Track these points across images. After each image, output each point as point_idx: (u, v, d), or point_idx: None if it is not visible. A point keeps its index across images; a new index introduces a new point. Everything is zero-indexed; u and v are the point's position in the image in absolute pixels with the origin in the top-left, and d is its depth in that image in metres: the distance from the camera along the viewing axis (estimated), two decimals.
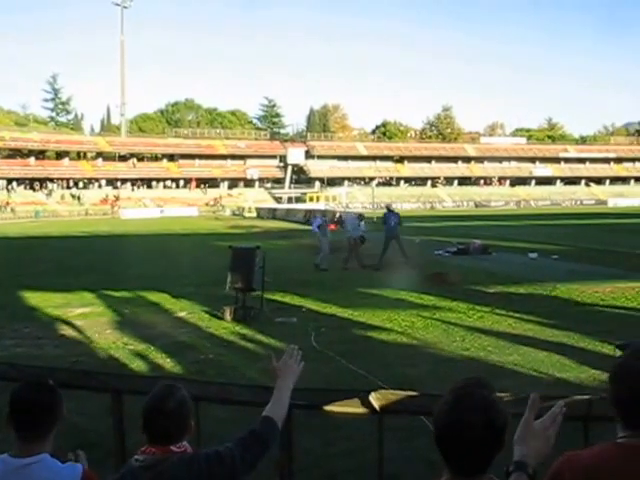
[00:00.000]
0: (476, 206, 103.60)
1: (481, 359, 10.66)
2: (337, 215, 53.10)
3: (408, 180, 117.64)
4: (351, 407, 4.59)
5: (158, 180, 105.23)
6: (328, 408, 4.66)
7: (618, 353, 2.27)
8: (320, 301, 16.34)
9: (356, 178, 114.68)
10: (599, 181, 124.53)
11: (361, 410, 4.54)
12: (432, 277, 19.54)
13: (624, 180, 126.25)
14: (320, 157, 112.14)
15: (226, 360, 10.96)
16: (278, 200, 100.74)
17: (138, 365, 10.63)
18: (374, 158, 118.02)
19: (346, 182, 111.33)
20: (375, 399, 4.43)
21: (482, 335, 12.33)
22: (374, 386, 8.78)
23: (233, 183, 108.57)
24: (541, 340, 11.87)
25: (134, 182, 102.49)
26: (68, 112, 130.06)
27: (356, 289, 18.26)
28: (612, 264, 22.37)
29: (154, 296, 17.57)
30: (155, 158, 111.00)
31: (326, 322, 13.90)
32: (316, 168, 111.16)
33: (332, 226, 49.84)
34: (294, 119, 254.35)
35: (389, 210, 25.04)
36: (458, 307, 15.17)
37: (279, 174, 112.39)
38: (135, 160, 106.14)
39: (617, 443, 2.29)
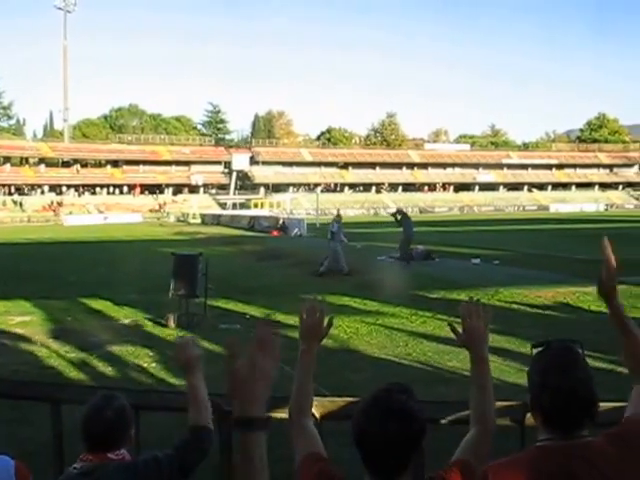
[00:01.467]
0: (420, 212, 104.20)
1: (423, 364, 10.78)
2: (280, 221, 53.17)
3: (352, 186, 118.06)
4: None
5: (102, 186, 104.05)
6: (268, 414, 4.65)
7: (535, 352, 2.32)
8: (264, 307, 16.35)
9: (301, 184, 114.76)
10: (541, 187, 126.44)
11: None
12: (375, 283, 19.64)
13: (565, 186, 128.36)
14: (265, 163, 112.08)
15: (168, 368, 10.89)
16: (223, 206, 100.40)
17: (79, 374, 10.52)
18: (319, 164, 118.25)
19: (291, 188, 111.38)
20: (314, 407, 4.44)
21: (424, 340, 12.46)
22: (317, 392, 8.86)
23: (178, 189, 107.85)
24: None
25: (77, 188, 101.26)
26: (10, 117, 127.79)
27: (299, 295, 18.24)
28: (554, 269, 22.73)
29: (97, 303, 17.39)
30: (99, 164, 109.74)
31: None
32: (261, 174, 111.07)
33: (275, 232, 50.02)
34: (239, 125, 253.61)
35: (405, 215, 25.82)
36: (401, 313, 15.29)
37: (224, 180, 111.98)
38: (78, 166, 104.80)
39: (538, 447, 2.35)
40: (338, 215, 26.42)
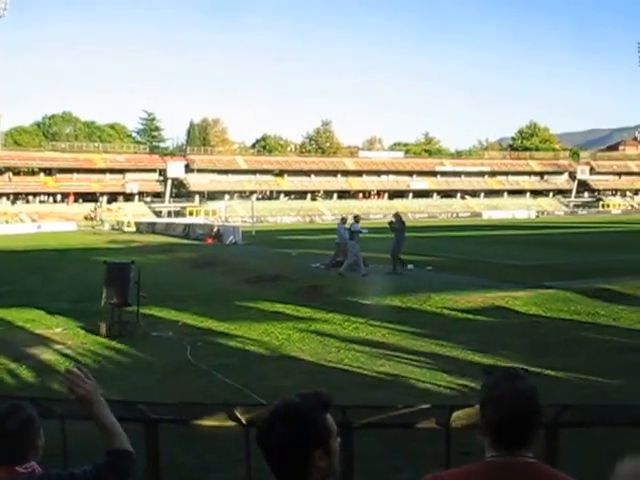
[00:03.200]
0: None
1: (355, 370, 10.86)
2: (215, 229, 52.97)
3: (288, 194, 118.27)
4: (219, 421, 4.64)
5: (35, 194, 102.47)
6: (196, 422, 4.70)
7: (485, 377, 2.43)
8: (197, 315, 16.29)
9: (236, 192, 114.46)
10: (474, 194, 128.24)
11: (230, 423, 4.60)
12: (308, 289, 19.73)
13: (498, 193, 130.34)
14: (200, 171, 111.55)
15: (100, 376, 10.78)
16: (158, 214, 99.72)
17: (7, 384, 10.38)
18: (254, 172, 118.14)
19: (226, 196, 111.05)
20: (241, 413, 4.50)
21: (356, 346, 12.55)
22: (250, 399, 8.90)
23: (112, 197, 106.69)
24: (413, 350, 12.17)
25: (10, 197, 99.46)
26: None
27: (233, 302, 18.27)
28: (484, 275, 23.04)
29: (28, 313, 17.11)
30: (32, 172, 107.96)
31: (202, 336, 13.88)
32: (196, 182, 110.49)
33: (210, 240, 49.80)
34: (174, 133, 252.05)
35: (401, 221, 26.18)
36: (334, 319, 15.38)
37: (159, 188, 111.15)
38: (11, 174, 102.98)
39: (487, 461, 2.44)
40: (356, 217, 26.87)
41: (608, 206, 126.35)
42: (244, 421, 4.52)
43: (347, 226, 26.70)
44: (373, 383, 10.01)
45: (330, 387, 9.81)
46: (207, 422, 4.70)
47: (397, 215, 27.16)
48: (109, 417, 2.86)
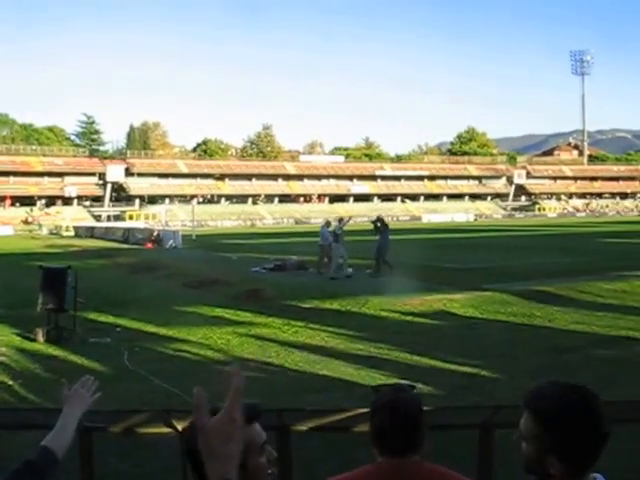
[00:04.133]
0: (296, 223, 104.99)
1: (294, 374, 10.88)
2: (155, 233, 52.55)
3: (229, 198, 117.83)
4: (155, 428, 4.62)
5: None
6: (132, 430, 4.66)
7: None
8: (136, 320, 16.14)
9: (177, 196, 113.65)
10: (414, 198, 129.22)
11: (166, 430, 4.58)
12: (248, 294, 19.67)
13: (437, 197, 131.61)
14: (140, 175, 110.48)
15: (36, 383, 10.65)
16: (97, 218, 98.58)
17: None
18: (195, 176, 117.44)
19: (167, 200, 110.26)
20: (177, 419, 4.48)
21: (296, 350, 12.58)
22: (187, 405, 8.85)
23: (51, 201, 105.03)
24: (352, 353, 12.24)
25: None
26: None
27: (172, 307, 18.14)
28: (423, 278, 23.18)
29: None
30: None
31: (141, 341, 13.77)
32: (136, 186, 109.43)
33: (149, 244, 49.40)
34: (114, 136, 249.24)
35: (384, 224, 26.49)
36: (273, 323, 15.38)
37: (98, 192, 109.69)
38: None
39: (374, 464, 2.61)
40: (340, 219, 27.13)
41: (544, 209, 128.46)
42: (180, 428, 4.50)
43: (331, 229, 27.04)
44: (312, 387, 10.04)
45: (269, 391, 9.83)
46: (143, 429, 4.67)
47: (380, 217, 27.48)
48: (68, 429, 2.85)
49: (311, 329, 14.58)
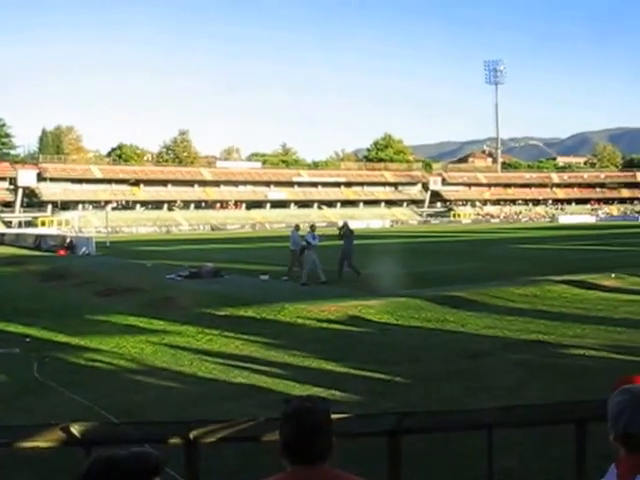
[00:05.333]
0: (212, 229, 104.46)
1: (208, 383, 10.78)
2: (68, 240, 51.52)
3: (144, 204, 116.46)
4: (55, 441, 4.49)
5: None
6: (28, 444, 4.52)
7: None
8: (46, 330, 15.75)
9: (91, 201, 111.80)
10: (330, 204, 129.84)
11: (67, 443, 4.46)
12: (162, 301, 19.44)
13: (353, 203, 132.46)
14: (53, 180, 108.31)
15: None
16: (8, 224, 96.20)
17: None
18: (109, 181, 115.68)
19: (80, 206, 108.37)
20: (77, 430, 4.37)
21: (210, 358, 12.46)
22: (99, 416, 8.67)
23: None
24: (267, 361, 12.19)
25: None
26: None
27: (85, 316, 17.79)
28: (339, 283, 23.38)
29: None
30: None
31: (52, 351, 13.44)
32: (49, 191, 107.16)
33: (62, 251, 48.44)
34: (25, 140, 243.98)
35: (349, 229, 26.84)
36: (187, 331, 15.21)
37: (9, 197, 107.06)
38: None
39: (286, 473, 2.64)
40: (312, 226, 27.15)
41: (459, 216, 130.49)
42: (81, 438, 4.39)
43: (301, 233, 27.40)
44: (226, 395, 9.96)
45: (182, 400, 9.73)
46: (40, 443, 4.54)
47: (345, 224, 27.84)
48: None
49: (225, 337, 14.48)
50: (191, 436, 4.37)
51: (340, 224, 28.30)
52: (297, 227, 28.88)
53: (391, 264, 25.75)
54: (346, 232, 26.56)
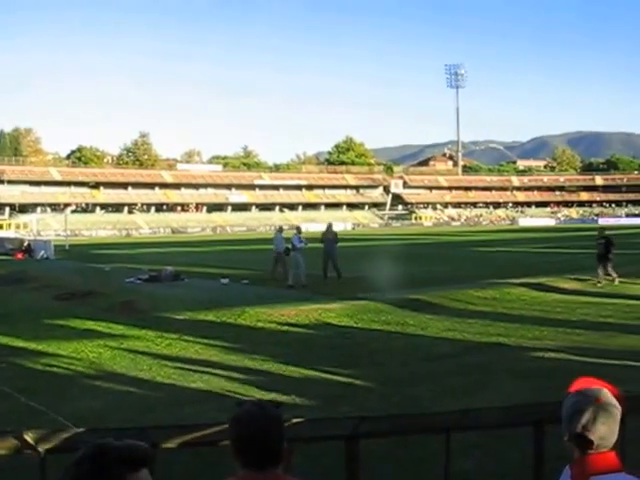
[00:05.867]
0: (173, 232, 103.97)
1: (166, 387, 10.70)
2: (25, 243, 50.90)
3: (104, 206, 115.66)
4: (4, 448, 4.41)
5: None
6: None
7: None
8: (3, 335, 15.47)
9: (50, 204, 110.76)
10: (292, 207, 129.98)
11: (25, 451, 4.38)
12: (121, 305, 19.25)
13: (315, 206, 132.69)
14: (11, 182, 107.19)
15: None
16: None
17: None
18: (69, 184, 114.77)
19: (39, 208, 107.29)
20: (31, 437, 4.30)
21: (169, 363, 12.36)
22: (55, 423, 8.55)
23: None
24: (226, 365, 12.13)
25: None
26: None
27: (42, 320, 17.55)
28: (299, 287, 23.35)
29: None
30: None
31: (8, 357, 13.22)
32: (6, 194, 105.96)
33: (19, 255, 47.83)
34: None
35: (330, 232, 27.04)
36: (147, 335, 15.06)
37: None
38: None
39: (239, 476, 2.61)
40: (298, 228, 27.30)
41: (420, 218, 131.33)
42: (35, 445, 4.32)
43: (285, 235, 27.60)
44: (185, 400, 9.89)
45: (141, 406, 9.64)
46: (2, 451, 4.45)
47: (329, 226, 28.22)
48: None
49: (185, 341, 14.38)
50: (149, 442, 4.32)
51: (325, 228, 28.40)
52: (280, 229, 29.06)
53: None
54: (330, 235, 26.60)
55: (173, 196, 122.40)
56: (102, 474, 1.94)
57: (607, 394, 2.54)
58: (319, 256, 26.56)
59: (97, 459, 1.98)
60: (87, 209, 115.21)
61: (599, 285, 23.09)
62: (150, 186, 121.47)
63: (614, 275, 23.70)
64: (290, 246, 25.74)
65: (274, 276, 26.16)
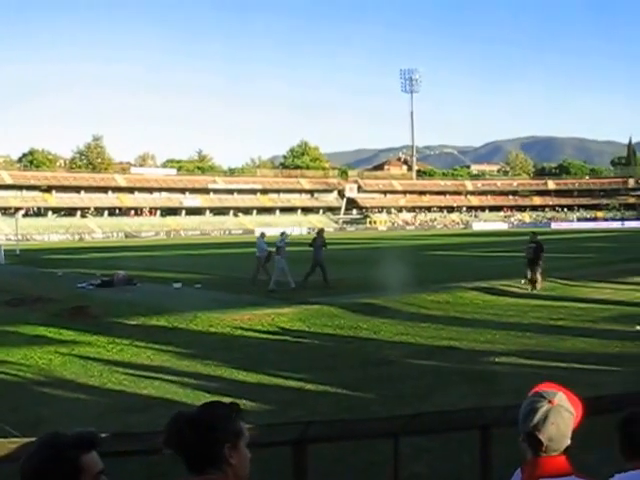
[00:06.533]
0: (126, 237, 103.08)
1: (117, 394, 10.60)
2: None
3: (56, 210, 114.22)
4: None
5: None
6: None
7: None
8: None
9: (1, 208, 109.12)
10: (246, 211, 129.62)
11: None
12: (73, 311, 19.00)
13: (270, 210, 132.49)
14: None
15: None
16: None
17: None
18: (20, 187, 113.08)
19: None
20: None
21: (120, 369, 12.25)
22: (2, 431, 8.40)
23: None
24: (178, 371, 12.05)
25: None
26: None
27: None
28: (252, 291, 23.26)
29: None
30: None
31: None
32: None
33: None
34: None
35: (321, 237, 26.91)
36: (98, 341, 14.89)
37: None
38: None
39: None
40: (283, 233, 27.41)
41: (375, 223, 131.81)
42: None
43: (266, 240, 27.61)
44: (135, 407, 9.81)
45: (90, 413, 9.53)
46: None
47: (320, 231, 28.23)
48: None
49: (137, 347, 14.26)
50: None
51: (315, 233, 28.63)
52: (263, 235, 28.96)
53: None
54: (317, 240, 26.61)
55: (127, 200, 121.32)
56: (59, 457, 2.12)
57: (562, 397, 2.57)
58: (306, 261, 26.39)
59: (54, 444, 2.15)
60: (39, 213, 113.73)
61: (522, 282, 23.74)
62: (103, 190, 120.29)
63: (539, 280, 23.70)
64: (274, 249, 25.80)
65: (254, 281, 25.86)
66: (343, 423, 5.23)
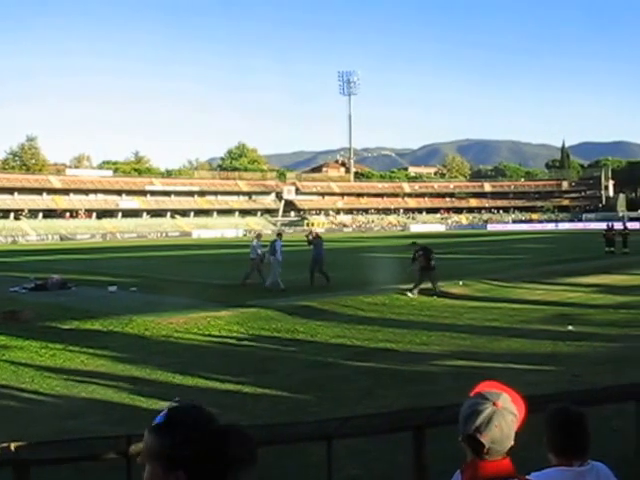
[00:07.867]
0: (61, 239, 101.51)
1: (50, 400, 10.44)
2: None
3: None
4: None
5: None
6: None
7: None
8: None
9: None
10: (184, 213, 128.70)
11: None
12: (4, 315, 18.61)
13: (207, 212, 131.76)
14: None
15: None
16: None
17: None
18: None
19: None
20: None
21: (53, 374, 12.05)
22: None
23: None
24: (113, 375, 11.91)
25: None
26: None
27: None
28: (189, 295, 23.05)
29: None
30: None
31: None
32: None
33: None
34: None
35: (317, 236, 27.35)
36: (30, 346, 14.60)
37: None
38: None
39: None
40: (279, 234, 27.44)
41: (312, 224, 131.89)
42: None
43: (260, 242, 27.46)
44: (68, 412, 9.66)
45: (22, 419, 9.35)
46: None
47: (313, 231, 28.66)
48: None
49: (70, 351, 14.02)
50: (22, 458, 4.19)
51: (313, 232, 29.13)
52: (258, 236, 28.85)
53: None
54: (314, 240, 26.65)
55: (61, 202, 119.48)
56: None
57: (506, 399, 2.54)
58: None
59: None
60: None
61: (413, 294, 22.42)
62: (37, 191, 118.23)
63: (418, 286, 22.72)
64: (269, 251, 25.79)
65: (244, 283, 25.60)
66: (272, 427, 5.21)
